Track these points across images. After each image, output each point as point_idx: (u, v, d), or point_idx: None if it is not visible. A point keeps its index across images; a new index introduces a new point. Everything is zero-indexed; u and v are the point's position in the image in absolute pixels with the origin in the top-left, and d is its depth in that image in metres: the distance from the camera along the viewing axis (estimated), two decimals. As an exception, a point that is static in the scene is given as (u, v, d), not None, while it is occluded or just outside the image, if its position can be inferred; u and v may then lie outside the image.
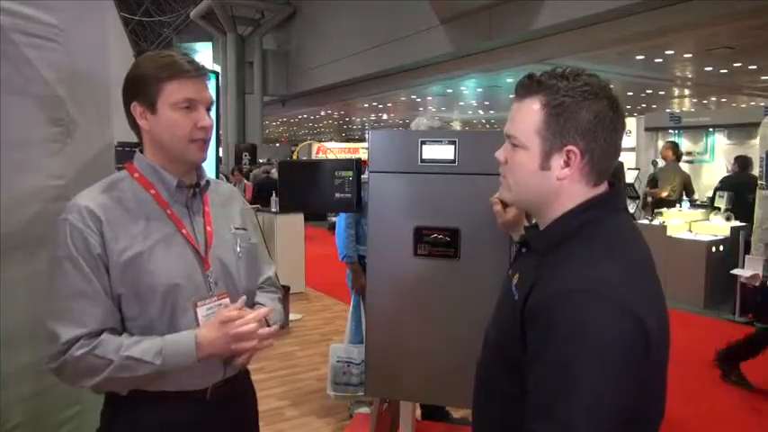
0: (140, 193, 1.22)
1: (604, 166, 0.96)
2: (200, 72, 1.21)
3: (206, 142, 1.25)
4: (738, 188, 6.41)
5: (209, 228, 1.29)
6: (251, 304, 1.34)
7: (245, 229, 1.38)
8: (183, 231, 1.23)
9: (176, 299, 1.18)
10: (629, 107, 15.96)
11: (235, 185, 7.95)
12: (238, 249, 1.33)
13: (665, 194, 7.15)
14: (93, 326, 1.12)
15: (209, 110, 1.24)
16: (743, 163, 6.84)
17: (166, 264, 1.18)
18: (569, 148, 0.93)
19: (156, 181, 1.23)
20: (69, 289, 1.13)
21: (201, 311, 1.21)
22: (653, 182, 7.30)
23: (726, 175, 7.47)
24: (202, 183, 1.31)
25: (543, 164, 0.95)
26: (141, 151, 1.26)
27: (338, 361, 3.12)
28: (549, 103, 0.93)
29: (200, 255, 1.24)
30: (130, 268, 1.15)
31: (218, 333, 1.17)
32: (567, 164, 0.94)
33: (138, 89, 1.19)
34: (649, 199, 7.21)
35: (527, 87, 0.97)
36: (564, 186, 0.96)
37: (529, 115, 0.95)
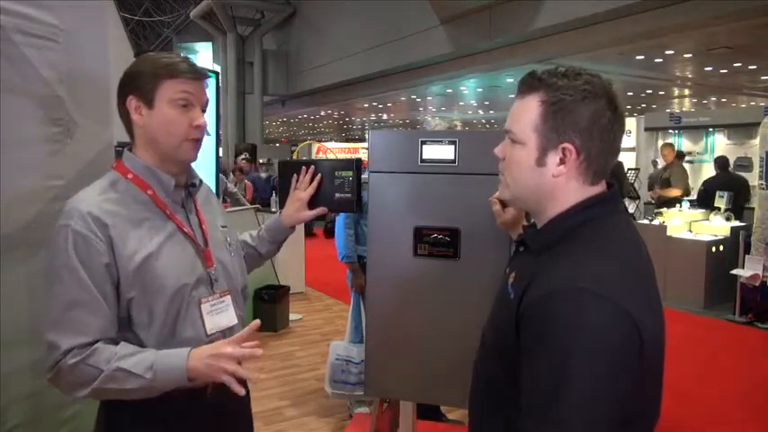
0: (138, 195, 1.21)
1: (601, 165, 0.96)
2: (198, 74, 1.22)
3: (199, 142, 1.25)
4: (722, 189, 6.45)
5: (204, 226, 1.30)
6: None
7: (225, 227, 1.40)
8: (185, 230, 1.24)
9: (183, 298, 1.19)
10: (629, 107, 15.94)
11: (236, 185, 7.96)
12: (230, 247, 1.36)
13: (679, 194, 7.17)
14: (93, 335, 1.11)
15: (203, 111, 1.25)
16: (723, 164, 6.89)
17: (174, 263, 1.19)
18: (565, 145, 0.94)
19: (153, 181, 1.23)
20: (68, 299, 1.10)
21: (205, 308, 1.22)
22: (665, 182, 7.33)
23: (709, 177, 7.52)
24: (196, 182, 1.32)
25: (539, 160, 0.96)
26: (130, 150, 1.25)
27: (337, 359, 3.12)
28: (548, 100, 0.94)
29: (202, 253, 1.26)
30: (141, 271, 1.14)
31: (207, 353, 1.13)
32: (562, 161, 0.95)
33: (136, 84, 1.19)
34: (653, 199, 7.24)
35: (528, 84, 0.98)
36: (559, 184, 0.96)
37: (528, 111, 0.96)
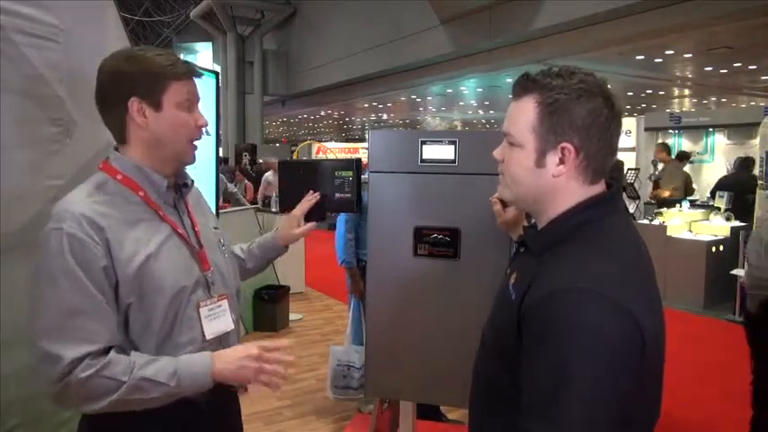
0: (130, 196, 1.17)
1: (600, 163, 0.96)
2: (195, 73, 1.22)
3: (196, 143, 1.25)
4: (736, 188, 6.43)
5: (197, 228, 1.28)
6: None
7: (217, 228, 1.39)
8: (180, 231, 1.21)
9: (181, 301, 1.16)
10: (629, 107, 15.95)
11: (236, 185, 7.96)
12: (223, 249, 1.35)
13: (667, 194, 7.19)
14: (103, 342, 1.05)
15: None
16: (739, 164, 6.89)
17: (172, 266, 1.16)
18: (564, 144, 0.94)
19: (144, 182, 1.18)
20: (68, 306, 1.04)
21: (204, 312, 1.20)
22: (656, 182, 7.38)
23: (723, 175, 7.53)
24: (188, 183, 1.30)
25: (539, 161, 0.96)
26: (117, 149, 1.21)
27: (338, 364, 3.09)
28: (544, 100, 0.94)
29: (197, 255, 1.23)
30: (140, 275, 1.11)
31: (238, 356, 1.17)
32: (562, 161, 0.95)
33: (139, 85, 1.15)
34: (653, 201, 7.27)
35: (523, 86, 0.98)
36: (560, 184, 0.96)
37: (524, 113, 0.97)
